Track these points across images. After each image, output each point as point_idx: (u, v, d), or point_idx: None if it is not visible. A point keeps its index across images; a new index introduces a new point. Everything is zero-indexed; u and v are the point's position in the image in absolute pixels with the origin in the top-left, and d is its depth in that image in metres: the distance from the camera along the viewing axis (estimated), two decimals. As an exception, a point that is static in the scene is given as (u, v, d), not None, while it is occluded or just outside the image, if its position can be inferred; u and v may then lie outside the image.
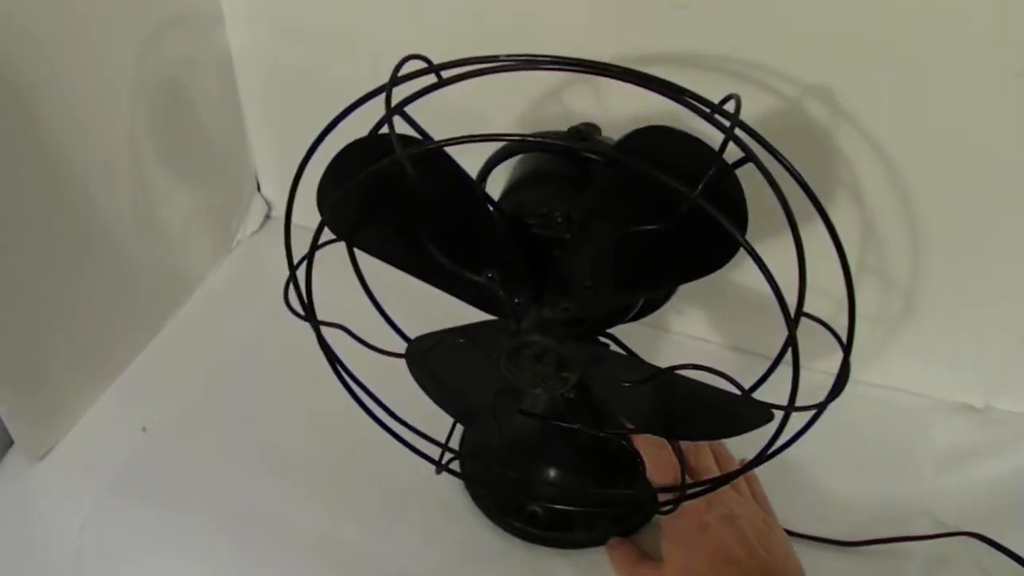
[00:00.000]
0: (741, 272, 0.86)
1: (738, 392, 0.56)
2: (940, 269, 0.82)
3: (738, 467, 0.70)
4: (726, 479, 0.65)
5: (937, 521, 0.81)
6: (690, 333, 0.98)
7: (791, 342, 0.50)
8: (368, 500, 0.81)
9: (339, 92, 0.52)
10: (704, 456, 0.77)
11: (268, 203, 1.13)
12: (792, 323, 0.50)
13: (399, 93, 0.50)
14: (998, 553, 0.77)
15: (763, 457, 0.59)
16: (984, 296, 0.83)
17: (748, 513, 0.71)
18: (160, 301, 0.99)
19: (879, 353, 0.89)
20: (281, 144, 1.05)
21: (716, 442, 0.81)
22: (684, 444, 0.72)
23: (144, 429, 0.87)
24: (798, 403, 0.54)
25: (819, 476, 0.84)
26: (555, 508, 0.78)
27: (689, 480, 0.67)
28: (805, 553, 0.76)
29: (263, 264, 1.07)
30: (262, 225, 1.12)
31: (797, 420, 0.56)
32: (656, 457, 0.72)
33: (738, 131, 0.47)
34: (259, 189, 1.13)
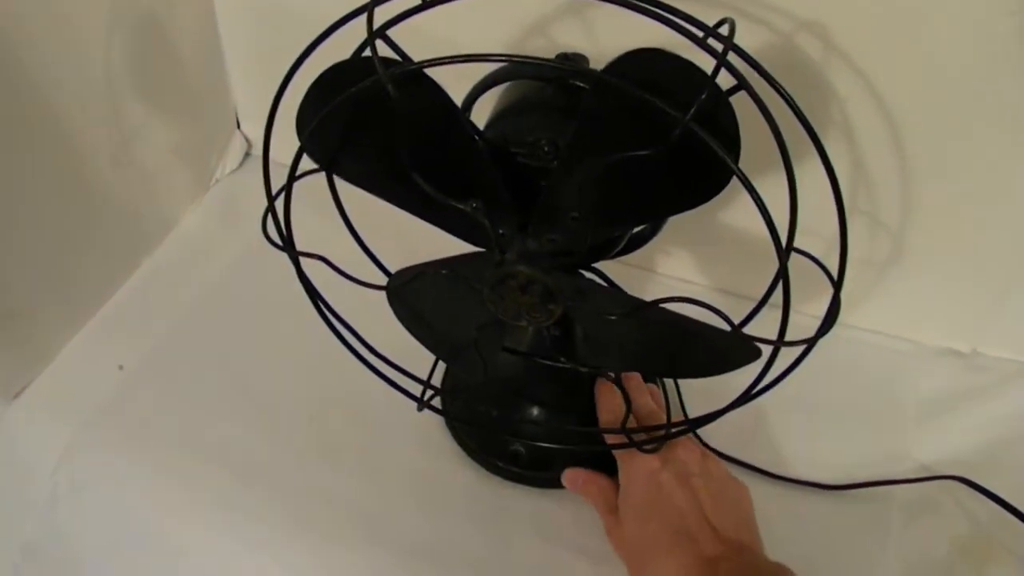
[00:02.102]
0: (730, 212, 0.85)
1: (727, 328, 0.55)
2: (930, 212, 0.81)
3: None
4: (712, 417, 0.64)
5: (921, 465, 0.81)
6: (677, 275, 0.97)
7: (782, 274, 0.49)
8: (347, 439, 0.81)
9: (322, 25, 0.51)
10: (643, 395, 0.77)
11: (248, 141, 1.11)
12: (783, 255, 0.49)
13: (382, 19, 0.48)
14: (983, 497, 0.77)
15: (751, 394, 0.59)
16: (973, 241, 0.82)
17: (704, 471, 0.70)
18: (137, 239, 0.97)
19: (866, 297, 0.89)
20: (261, 80, 1.02)
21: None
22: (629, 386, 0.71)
23: (121, 367, 0.86)
24: (783, 349, 0.54)
25: (803, 419, 0.83)
26: (537, 447, 0.77)
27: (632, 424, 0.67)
28: (787, 496, 0.77)
29: (242, 202, 1.06)
30: (241, 163, 1.11)
31: (782, 361, 0.56)
32: (606, 400, 0.73)
33: (732, 58, 0.45)
34: (239, 126, 1.11)
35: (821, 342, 0.54)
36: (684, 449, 0.71)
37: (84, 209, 0.87)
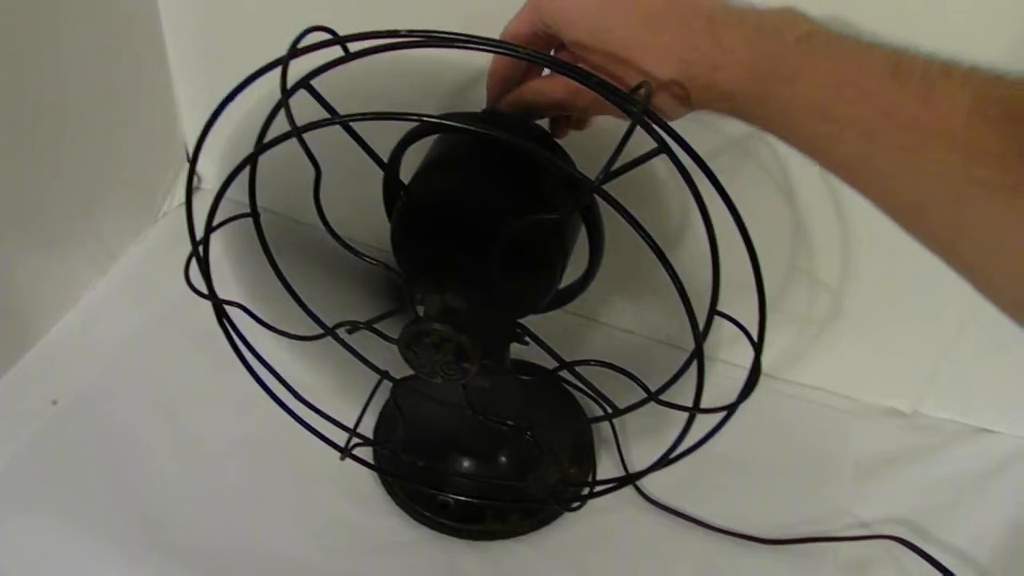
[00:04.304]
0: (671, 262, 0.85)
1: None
2: (871, 270, 0.81)
3: None
4: (639, 475, 0.63)
5: (861, 523, 0.81)
6: (618, 325, 0.95)
7: (697, 352, 0.49)
8: (275, 483, 0.80)
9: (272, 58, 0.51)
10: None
11: (198, 175, 1.10)
12: (698, 333, 0.49)
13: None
14: (920, 559, 0.76)
15: (667, 460, 0.58)
16: (915, 300, 0.82)
17: None
18: (79, 271, 0.96)
19: (807, 353, 0.88)
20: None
21: None
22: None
23: (55, 402, 0.85)
24: (718, 400, 0.54)
25: (743, 472, 0.83)
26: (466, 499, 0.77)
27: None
28: (724, 549, 0.77)
29: (187, 236, 1.05)
30: (190, 196, 1.10)
31: (713, 417, 0.56)
32: None
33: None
34: (188, 159, 1.10)
35: (762, 397, 0.54)
36: None
37: (23, 238, 0.86)
